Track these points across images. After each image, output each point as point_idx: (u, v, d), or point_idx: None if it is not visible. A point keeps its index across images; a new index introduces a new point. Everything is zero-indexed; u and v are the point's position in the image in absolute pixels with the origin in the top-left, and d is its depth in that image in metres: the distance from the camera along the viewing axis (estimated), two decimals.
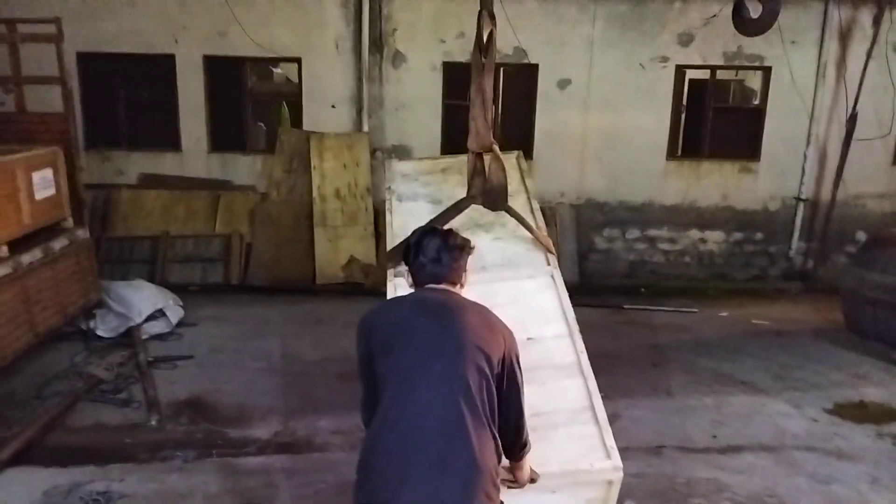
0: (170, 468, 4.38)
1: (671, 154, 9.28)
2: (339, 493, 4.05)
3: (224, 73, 9.13)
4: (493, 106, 3.33)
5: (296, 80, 9.47)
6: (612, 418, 5.05)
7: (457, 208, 3.43)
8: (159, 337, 6.59)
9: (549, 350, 2.98)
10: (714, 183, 9.34)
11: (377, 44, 8.88)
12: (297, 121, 9.37)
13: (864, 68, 8.65)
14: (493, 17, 3.32)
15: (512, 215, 3.49)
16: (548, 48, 8.74)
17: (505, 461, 2.30)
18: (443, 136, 9.11)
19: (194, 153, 9.18)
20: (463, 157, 3.58)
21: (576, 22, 8.80)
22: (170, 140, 9.13)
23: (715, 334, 7.25)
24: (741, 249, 9.57)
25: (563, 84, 8.96)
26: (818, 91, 9.01)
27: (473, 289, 2.60)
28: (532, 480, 2.42)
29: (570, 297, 3.25)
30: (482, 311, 2.31)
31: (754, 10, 5.31)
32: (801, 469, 4.43)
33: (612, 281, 9.20)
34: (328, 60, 8.94)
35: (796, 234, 9.46)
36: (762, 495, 4.08)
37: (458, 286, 2.37)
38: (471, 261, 2.48)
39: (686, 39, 8.91)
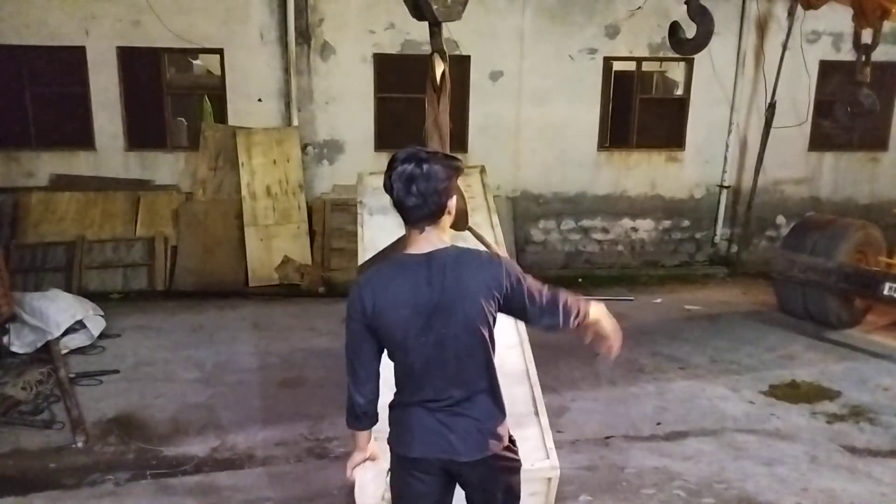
0: (101, 493, 4.08)
1: (601, 145, 9.43)
2: None
3: (139, 65, 8.64)
4: (448, 139, 3.43)
5: (217, 72, 9.06)
6: (561, 411, 5.10)
7: None
8: (80, 351, 6.17)
9: (501, 359, 3.07)
10: (643, 172, 9.56)
11: (304, 34, 8.59)
12: (220, 115, 8.96)
13: (781, 59, 9.02)
14: (444, 57, 3.35)
15: (474, 235, 3.60)
16: (479, 40, 8.68)
17: None
18: (376, 129, 8.93)
19: (110, 151, 8.65)
20: None
21: (505, 13, 8.77)
22: (83, 138, 8.59)
23: (652, 321, 7.41)
24: (669, 237, 9.85)
25: (496, 76, 8.93)
26: (738, 81, 9.35)
27: None
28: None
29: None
30: (476, 269, 2.18)
31: (689, 31, 5.45)
32: (745, 452, 4.55)
33: (549, 272, 9.25)
34: (252, 52, 8.59)
35: (720, 221, 9.81)
36: (711, 481, 4.16)
37: (445, 216, 2.17)
38: None
39: (612, 31, 9.05)
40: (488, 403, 2.25)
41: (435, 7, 3.05)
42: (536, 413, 2.99)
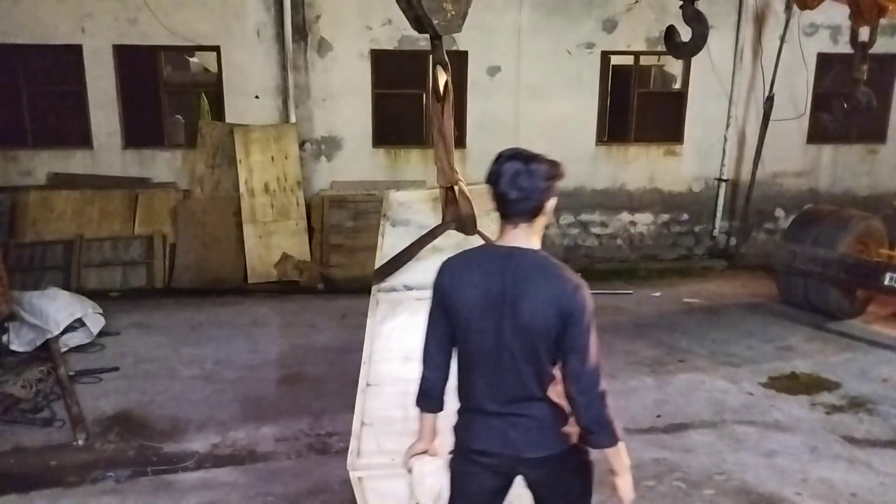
0: (101, 490, 4.08)
1: (600, 139, 9.42)
2: None
3: (136, 63, 8.63)
4: (453, 147, 3.56)
5: (214, 69, 9.05)
6: None
7: (433, 234, 3.75)
8: (80, 349, 6.16)
9: None
10: (641, 166, 9.55)
11: (301, 31, 8.58)
12: (218, 113, 8.95)
13: (779, 52, 9.01)
14: (446, 68, 3.40)
15: (483, 238, 3.73)
16: (476, 35, 8.64)
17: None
18: (374, 126, 8.92)
19: (107, 149, 8.64)
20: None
21: (503, 8, 8.76)
22: (80, 136, 8.58)
23: (650, 314, 7.42)
24: (668, 230, 9.85)
25: (493, 71, 8.92)
26: (736, 74, 9.34)
27: None
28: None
29: None
30: (547, 284, 2.15)
31: (685, 34, 5.49)
32: (744, 443, 4.56)
33: None
34: (249, 49, 8.58)
35: (719, 214, 9.82)
36: (711, 473, 4.17)
37: (541, 216, 2.20)
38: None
39: (610, 26, 9.04)
40: (547, 409, 2.21)
41: (436, 21, 3.11)
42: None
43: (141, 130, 8.79)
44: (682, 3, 5.36)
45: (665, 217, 9.75)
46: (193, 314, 7.29)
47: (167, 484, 4.14)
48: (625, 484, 2.27)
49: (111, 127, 8.58)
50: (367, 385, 3.27)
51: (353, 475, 2.76)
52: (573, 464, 2.28)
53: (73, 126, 8.54)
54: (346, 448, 4.41)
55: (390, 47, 8.60)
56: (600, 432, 2.18)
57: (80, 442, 4.61)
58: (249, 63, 8.60)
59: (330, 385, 5.47)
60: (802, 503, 3.85)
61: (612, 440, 2.19)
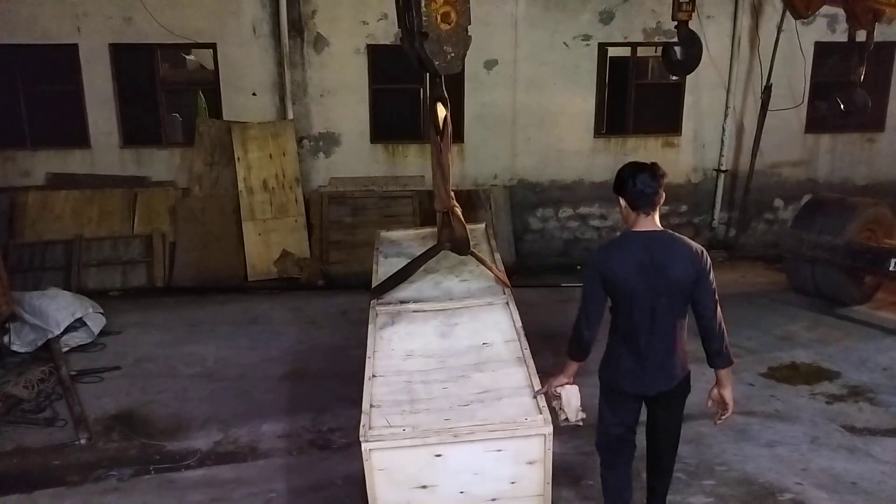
0: (104, 489, 4.10)
1: (598, 131, 9.40)
2: (290, 501, 3.89)
3: (132, 61, 8.62)
4: (450, 175, 3.92)
5: (211, 66, 9.03)
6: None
7: (428, 254, 4.14)
8: (81, 348, 6.19)
9: (500, 350, 3.62)
10: (640, 158, 9.32)
11: (297, 27, 8.56)
12: (215, 110, 8.94)
13: (776, 41, 8.98)
14: (445, 104, 3.76)
15: (476, 258, 4.19)
16: (473, 28, 8.58)
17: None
18: (371, 122, 8.91)
19: (105, 149, 8.64)
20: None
21: (500, 1, 8.73)
22: (77, 136, 8.58)
23: None
24: (668, 222, 9.75)
25: (490, 65, 8.90)
26: (734, 65, 9.31)
27: (441, 313, 3.81)
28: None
29: (508, 276, 4.19)
30: (683, 250, 2.95)
31: (680, 53, 5.69)
32: (745, 434, 4.57)
33: (548, 260, 9.29)
34: (245, 45, 8.56)
35: (718, 205, 9.80)
36: (712, 463, 4.18)
37: (660, 204, 2.99)
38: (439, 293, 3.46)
39: (607, 17, 9.01)
40: (675, 357, 3.04)
41: (437, 62, 3.42)
42: (531, 386, 3.31)
43: (138, 129, 8.79)
44: (676, 24, 5.53)
45: (664, 209, 9.66)
46: (194, 312, 7.30)
47: (170, 482, 4.16)
48: (733, 393, 3.17)
49: (109, 126, 8.57)
50: (374, 375, 3.43)
51: (364, 447, 2.98)
52: (686, 388, 3.18)
53: (71, 126, 8.53)
54: (348, 444, 4.49)
55: (387, 42, 8.57)
56: (726, 353, 3.05)
57: (83, 441, 4.63)
58: (246, 60, 8.59)
59: (331, 381, 5.48)
60: (803, 492, 3.86)
61: (731, 360, 3.10)
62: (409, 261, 4.22)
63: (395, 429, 3.04)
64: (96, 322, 6.50)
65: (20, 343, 6.04)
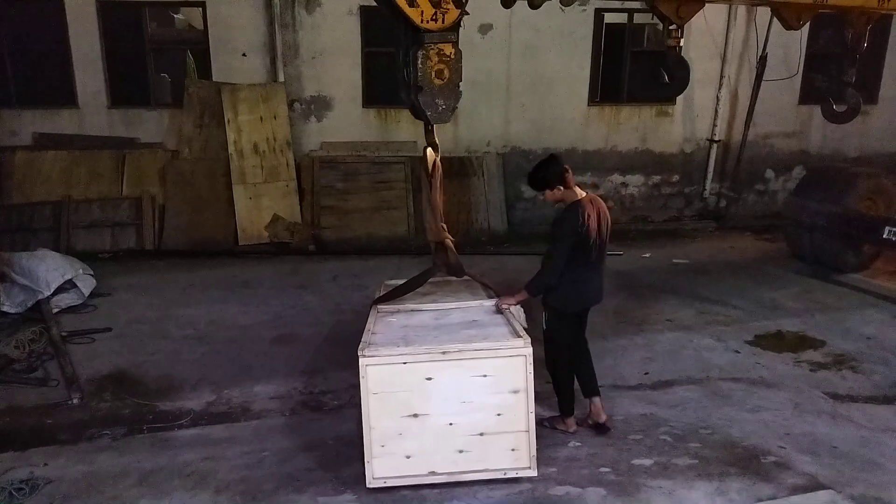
0: (98, 447, 4.13)
1: (592, 99, 9.35)
2: (283, 460, 3.94)
3: (120, 19, 8.44)
4: (440, 214, 4.22)
5: (200, 26, 8.86)
6: None
7: (426, 275, 4.42)
8: (72, 310, 6.19)
9: (486, 323, 3.99)
10: (633, 127, 9.51)
11: None
12: (205, 71, 8.80)
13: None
14: (436, 150, 4.15)
15: (471, 277, 4.59)
16: None
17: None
18: (364, 85, 8.80)
19: (93, 109, 8.51)
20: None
21: None
22: (65, 95, 8.44)
23: (640, 275, 7.48)
24: (659, 192, 9.86)
25: (485, 29, 8.79)
26: (730, 34, 9.25)
27: (438, 312, 4.18)
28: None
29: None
30: (599, 204, 4.04)
31: (668, 78, 5.74)
32: (729, 399, 4.65)
33: (539, 228, 9.26)
34: (236, 4, 8.40)
35: (710, 175, 9.83)
36: (697, 427, 4.26)
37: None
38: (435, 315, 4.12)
39: None
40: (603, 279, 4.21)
41: (429, 113, 3.75)
42: (514, 331, 3.76)
43: (127, 89, 8.65)
44: (666, 49, 5.59)
45: (656, 178, 9.75)
46: (185, 275, 7.28)
47: (163, 441, 4.20)
48: (510, 303, 4.11)
49: (96, 86, 8.43)
50: (373, 333, 3.83)
51: (361, 362, 3.45)
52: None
53: (58, 85, 8.39)
54: (340, 406, 4.55)
55: None
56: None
57: (75, 401, 4.65)
58: (236, 19, 8.43)
59: (322, 345, 5.52)
60: (786, 455, 3.95)
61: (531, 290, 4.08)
62: (406, 280, 4.49)
63: (391, 347, 3.53)
64: (86, 284, 6.48)
65: (10, 304, 6.03)
